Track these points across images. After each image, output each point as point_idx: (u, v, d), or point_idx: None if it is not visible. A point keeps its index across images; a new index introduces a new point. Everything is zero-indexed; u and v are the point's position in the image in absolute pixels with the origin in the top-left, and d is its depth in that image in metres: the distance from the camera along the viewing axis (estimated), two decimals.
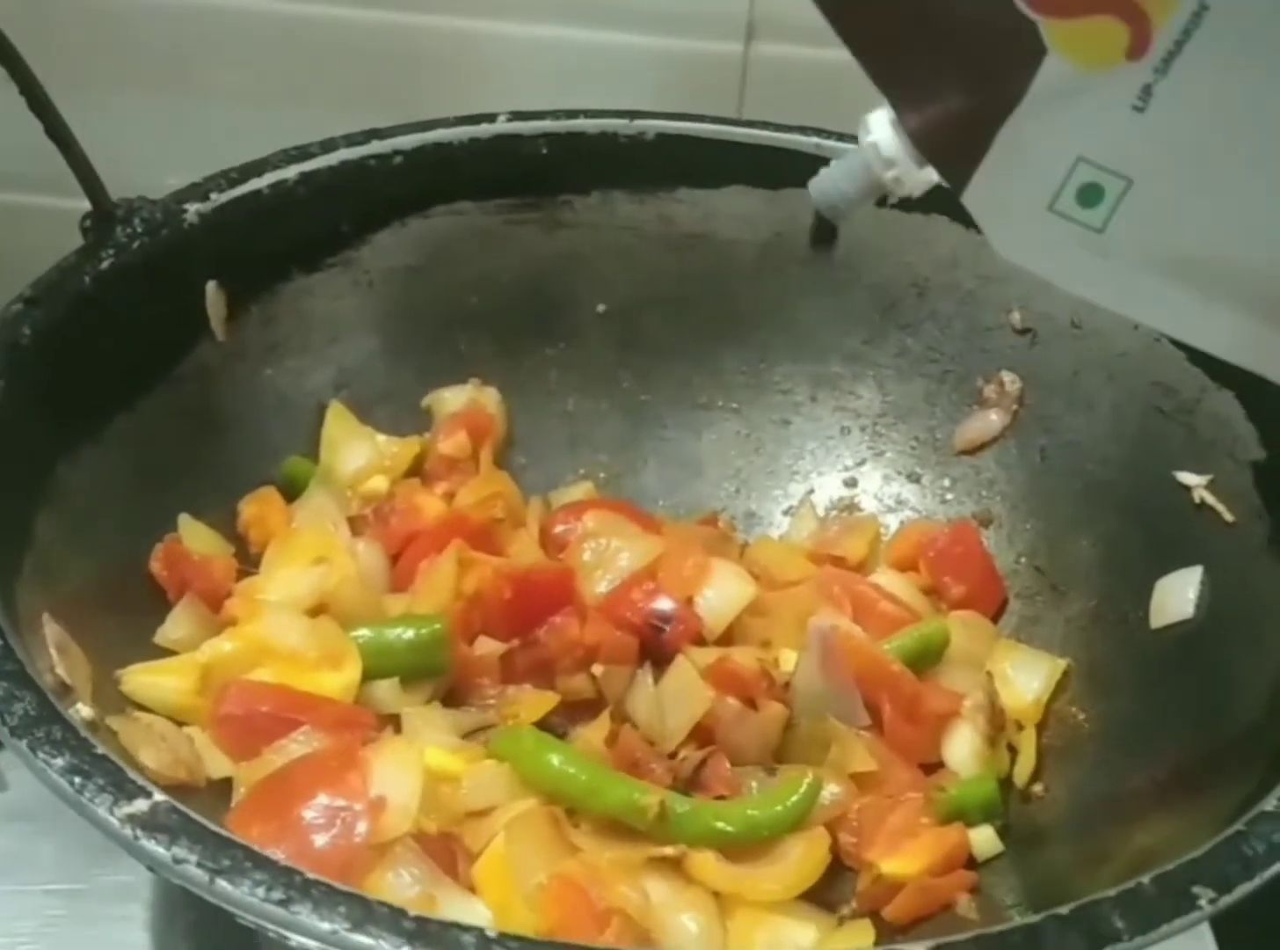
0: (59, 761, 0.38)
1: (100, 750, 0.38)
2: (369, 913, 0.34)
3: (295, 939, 0.34)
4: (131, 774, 0.37)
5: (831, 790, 0.56)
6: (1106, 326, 0.66)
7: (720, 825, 0.52)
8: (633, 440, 0.77)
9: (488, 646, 0.61)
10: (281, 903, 0.34)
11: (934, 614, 0.65)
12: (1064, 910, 0.36)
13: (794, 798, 0.54)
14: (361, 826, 0.48)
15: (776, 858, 0.53)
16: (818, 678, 0.59)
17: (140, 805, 0.36)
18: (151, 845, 0.36)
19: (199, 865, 0.35)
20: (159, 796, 0.37)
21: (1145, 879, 0.37)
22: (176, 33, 0.83)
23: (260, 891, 0.34)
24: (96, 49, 0.82)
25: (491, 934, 0.34)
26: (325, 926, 0.34)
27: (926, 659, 0.61)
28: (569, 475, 0.75)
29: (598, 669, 0.61)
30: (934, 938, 0.35)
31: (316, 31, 0.83)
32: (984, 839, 0.56)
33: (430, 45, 0.85)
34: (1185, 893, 0.36)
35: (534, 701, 0.60)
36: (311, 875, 0.35)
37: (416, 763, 0.51)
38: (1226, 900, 0.36)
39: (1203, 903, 0.36)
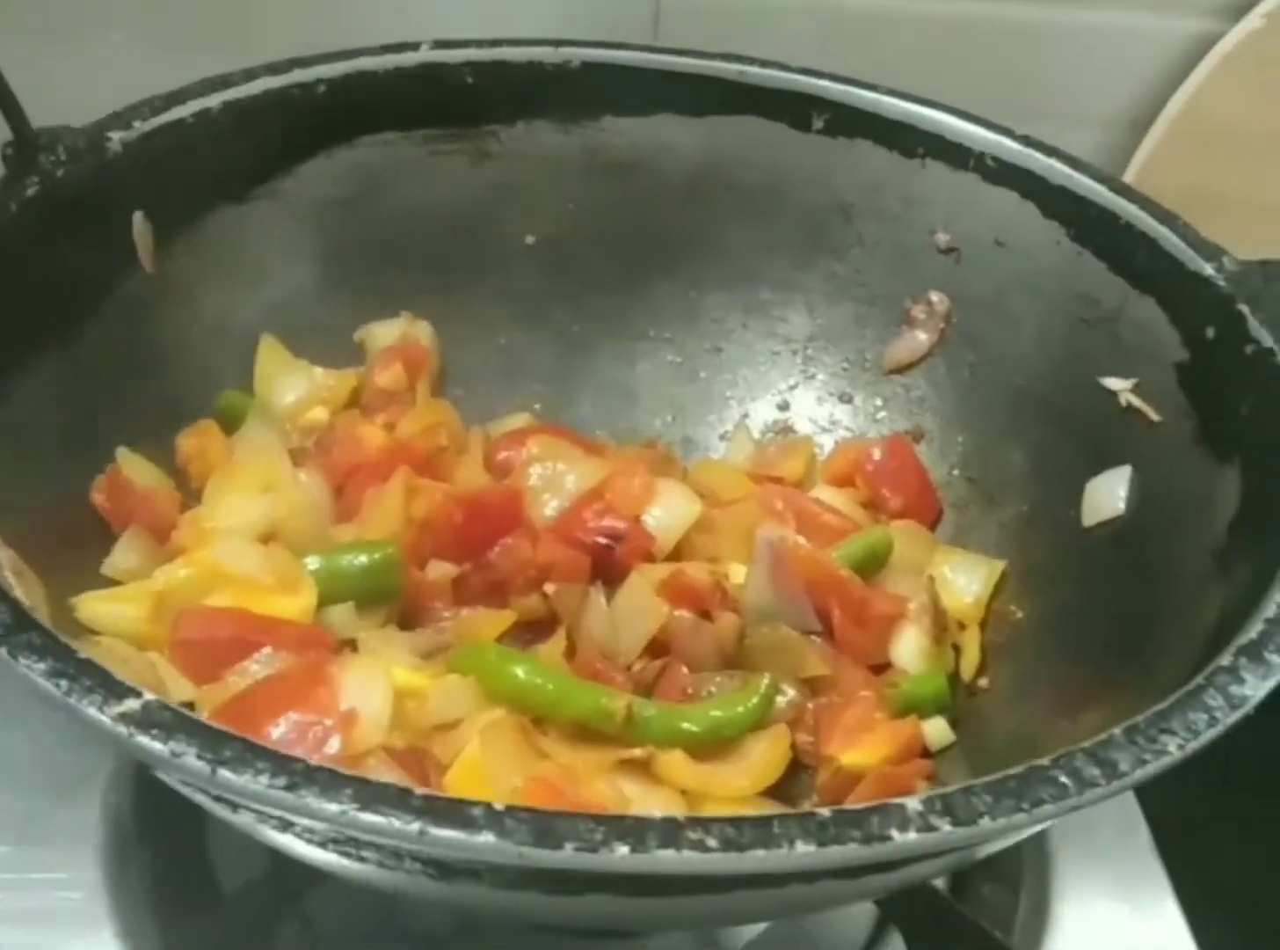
0: (42, 666, 0.37)
1: (82, 655, 0.38)
2: (376, 792, 0.34)
3: (302, 822, 0.34)
4: (118, 676, 0.37)
5: (787, 694, 0.57)
6: (1029, 243, 0.68)
7: (686, 726, 0.53)
8: (567, 371, 0.77)
9: (440, 569, 0.61)
10: (288, 787, 0.34)
11: (874, 524, 0.67)
12: (1044, 761, 0.37)
13: (754, 699, 0.55)
14: (334, 740, 0.48)
15: (740, 756, 0.54)
16: (768, 588, 0.61)
17: (131, 704, 0.36)
18: (148, 741, 0.35)
19: (199, 757, 0.35)
20: (149, 696, 0.36)
21: (1117, 730, 0.38)
22: None
23: (264, 779, 0.34)
24: None
25: (499, 806, 0.34)
26: (333, 807, 0.34)
27: (871, 566, 0.63)
28: (504, 407, 0.76)
29: (550, 588, 0.61)
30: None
31: None
32: (937, 729, 0.58)
33: None
34: (1155, 740, 0.38)
35: (490, 621, 0.60)
36: (314, 762, 0.35)
37: (384, 675, 0.51)
38: (1194, 745, 0.38)
39: (1171, 748, 0.38)
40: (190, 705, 0.52)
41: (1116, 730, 0.38)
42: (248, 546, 0.56)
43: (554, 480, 0.65)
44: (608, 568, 0.63)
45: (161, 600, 0.54)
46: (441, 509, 0.61)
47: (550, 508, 0.65)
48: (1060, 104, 0.91)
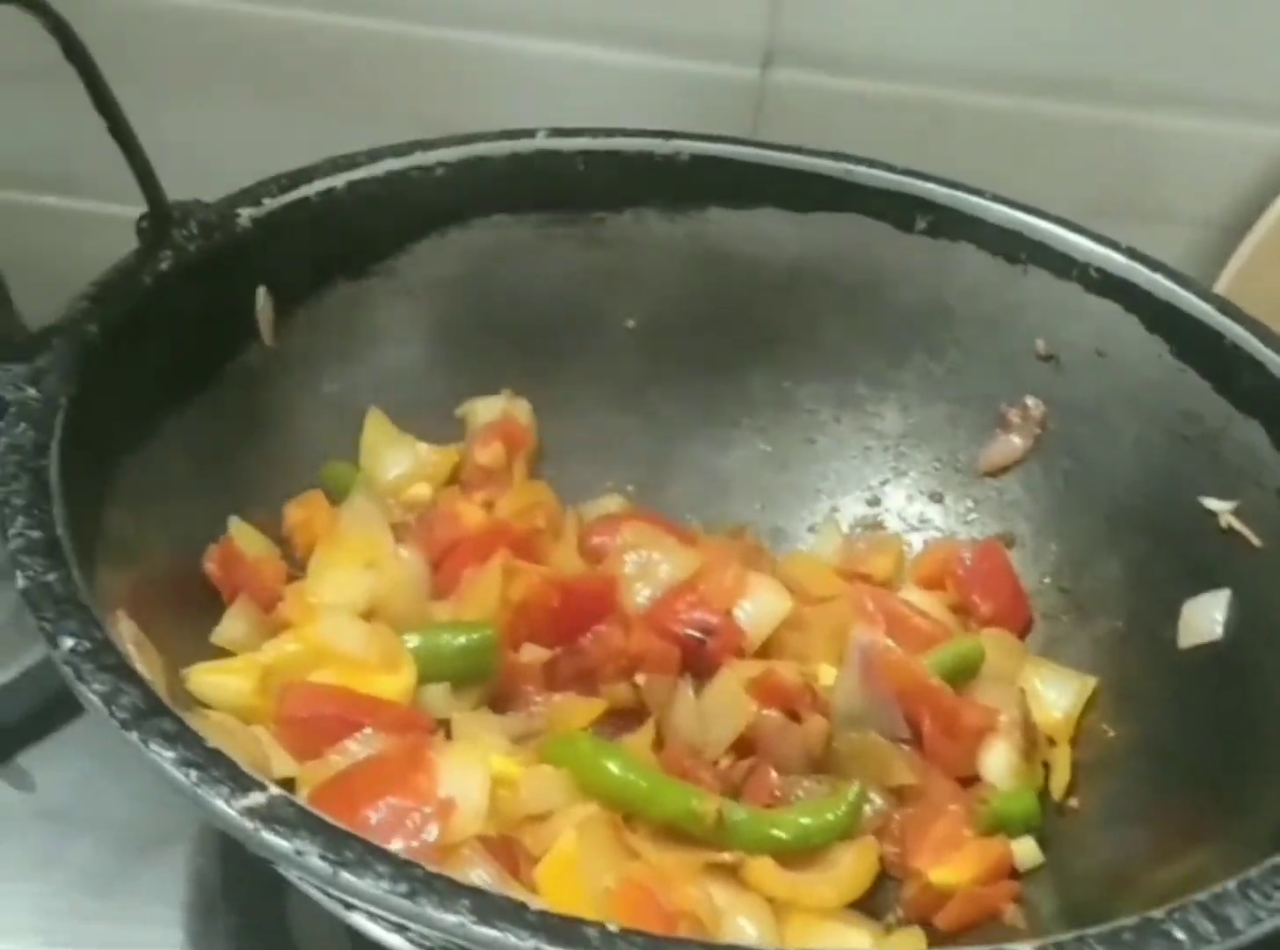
0: (172, 754, 0.38)
1: (211, 743, 0.39)
2: (493, 905, 0.35)
3: (418, 930, 0.35)
4: (245, 767, 0.38)
5: (875, 802, 0.57)
6: (1131, 356, 0.68)
7: (775, 832, 0.54)
8: (660, 455, 0.78)
9: (533, 653, 0.62)
10: (407, 895, 0.35)
11: (964, 632, 0.67)
12: (1158, 914, 0.37)
13: (843, 807, 0.55)
14: (432, 828, 0.48)
15: (828, 865, 0.54)
16: (858, 692, 0.61)
17: (257, 798, 0.37)
18: (273, 837, 0.36)
19: (321, 857, 0.35)
20: (274, 790, 0.37)
21: (1231, 883, 0.38)
22: (220, 42, 0.83)
23: (385, 884, 0.35)
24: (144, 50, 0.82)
25: (614, 928, 0.34)
26: (451, 919, 0.34)
27: (963, 675, 0.63)
28: (598, 488, 0.76)
29: (640, 678, 0.61)
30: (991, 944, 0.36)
31: (355, 44, 0.83)
32: (1026, 850, 0.57)
33: (442, 59, 0.85)
34: (1270, 896, 0.38)
35: (581, 708, 0.60)
36: (431, 869, 0.35)
37: (482, 763, 0.52)
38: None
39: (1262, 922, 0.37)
40: (291, 781, 0.53)
41: (1231, 883, 0.38)
42: (352, 624, 0.58)
43: (647, 569, 0.66)
44: (697, 661, 0.63)
45: (268, 674, 0.55)
46: (538, 592, 0.62)
47: (643, 596, 0.65)
48: (1154, 205, 0.91)
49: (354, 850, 0.36)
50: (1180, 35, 0.85)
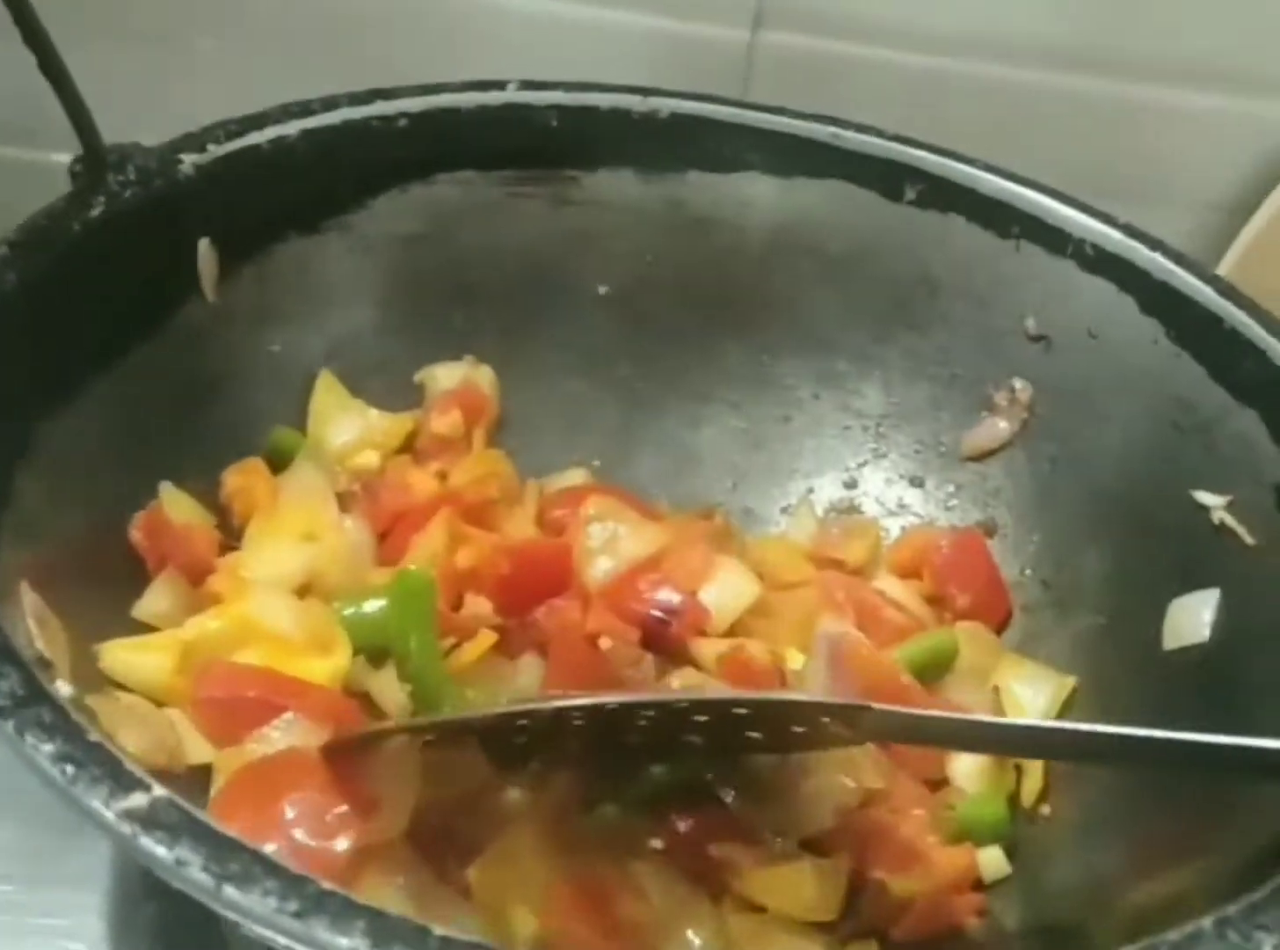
0: (49, 748, 0.35)
1: (94, 737, 0.35)
2: (391, 928, 0.31)
3: None
4: (128, 764, 0.34)
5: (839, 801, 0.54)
6: (1124, 339, 0.65)
7: None
8: (629, 429, 0.74)
9: (477, 605, 0.58)
10: (296, 915, 0.31)
11: (938, 624, 0.64)
12: None
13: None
14: (350, 830, 0.45)
15: (796, 886, 0.51)
16: (824, 686, 0.57)
17: (138, 799, 0.33)
18: (151, 845, 0.33)
19: (204, 869, 0.32)
20: (158, 791, 0.34)
21: (1206, 922, 0.35)
22: None
23: (273, 902, 0.32)
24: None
25: None
26: (344, 942, 0.31)
27: (934, 670, 0.60)
28: (562, 461, 0.73)
29: (605, 642, 0.58)
30: None
31: None
32: (992, 860, 0.54)
33: (429, 13, 0.82)
34: (1249, 937, 0.35)
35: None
36: (326, 885, 0.32)
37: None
38: None
39: (1266, 948, 0.34)
40: (207, 768, 0.50)
41: (1206, 922, 0.35)
42: (284, 602, 0.54)
43: (610, 543, 0.63)
44: (660, 642, 0.60)
45: (189, 652, 0.52)
46: (488, 559, 0.59)
47: (602, 570, 0.62)
48: (1157, 184, 0.88)
49: (240, 862, 0.32)
50: (1188, 5, 0.82)
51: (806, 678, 0.58)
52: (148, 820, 0.33)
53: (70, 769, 0.34)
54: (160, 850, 0.33)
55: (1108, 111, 0.86)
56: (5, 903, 0.57)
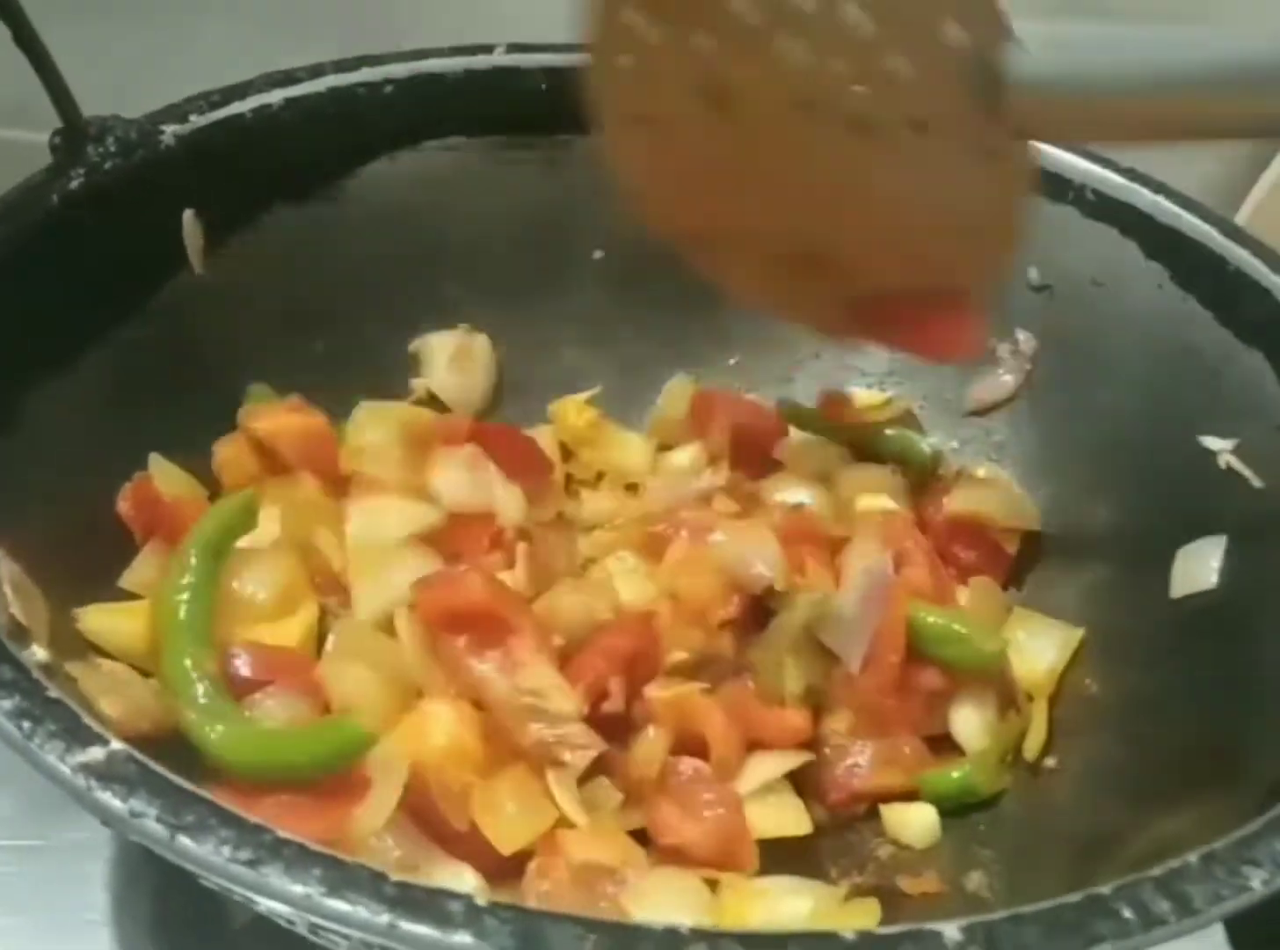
0: (7, 703, 0.34)
1: (53, 693, 0.35)
2: (347, 876, 0.31)
3: (264, 903, 0.31)
4: (86, 720, 0.34)
5: None
6: (1129, 285, 0.64)
7: None
8: (628, 394, 0.73)
9: None
10: (249, 863, 0.31)
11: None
12: (1105, 890, 0.33)
13: None
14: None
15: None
16: (849, 604, 0.56)
17: (95, 753, 0.33)
18: (106, 797, 0.32)
19: (159, 820, 0.32)
20: (115, 744, 0.33)
21: (1193, 857, 0.34)
22: None
23: (226, 850, 0.31)
24: None
25: (481, 902, 0.30)
26: (298, 890, 0.30)
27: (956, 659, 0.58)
28: None
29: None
30: (962, 918, 0.32)
31: None
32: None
33: None
34: (1236, 871, 0.33)
35: None
36: (283, 834, 0.32)
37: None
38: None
39: (1255, 883, 0.33)
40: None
41: (1192, 857, 0.33)
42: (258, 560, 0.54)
43: None
44: None
45: None
46: None
47: None
48: None
49: (196, 812, 0.32)
50: None
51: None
52: (105, 773, 0.33)
53: (27, 724, 0.34)
54: (115, 803, 0.32)
55: None
56: (8, 874, 0.57)
